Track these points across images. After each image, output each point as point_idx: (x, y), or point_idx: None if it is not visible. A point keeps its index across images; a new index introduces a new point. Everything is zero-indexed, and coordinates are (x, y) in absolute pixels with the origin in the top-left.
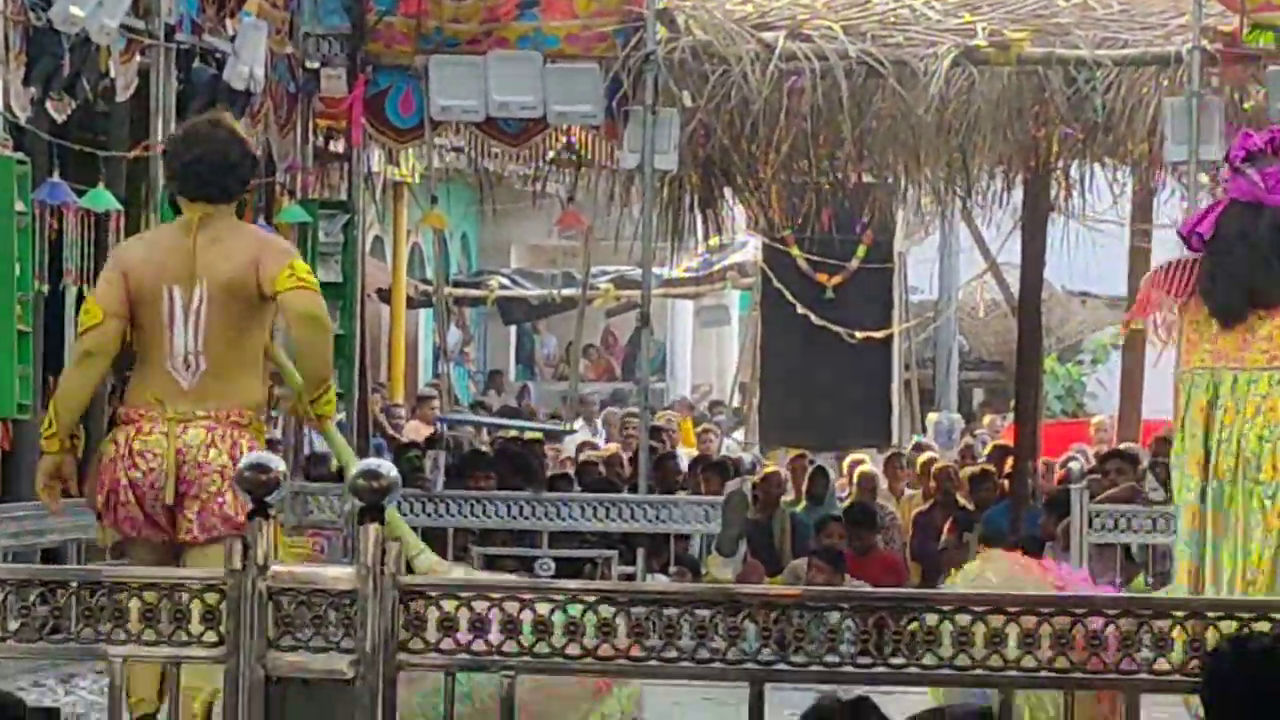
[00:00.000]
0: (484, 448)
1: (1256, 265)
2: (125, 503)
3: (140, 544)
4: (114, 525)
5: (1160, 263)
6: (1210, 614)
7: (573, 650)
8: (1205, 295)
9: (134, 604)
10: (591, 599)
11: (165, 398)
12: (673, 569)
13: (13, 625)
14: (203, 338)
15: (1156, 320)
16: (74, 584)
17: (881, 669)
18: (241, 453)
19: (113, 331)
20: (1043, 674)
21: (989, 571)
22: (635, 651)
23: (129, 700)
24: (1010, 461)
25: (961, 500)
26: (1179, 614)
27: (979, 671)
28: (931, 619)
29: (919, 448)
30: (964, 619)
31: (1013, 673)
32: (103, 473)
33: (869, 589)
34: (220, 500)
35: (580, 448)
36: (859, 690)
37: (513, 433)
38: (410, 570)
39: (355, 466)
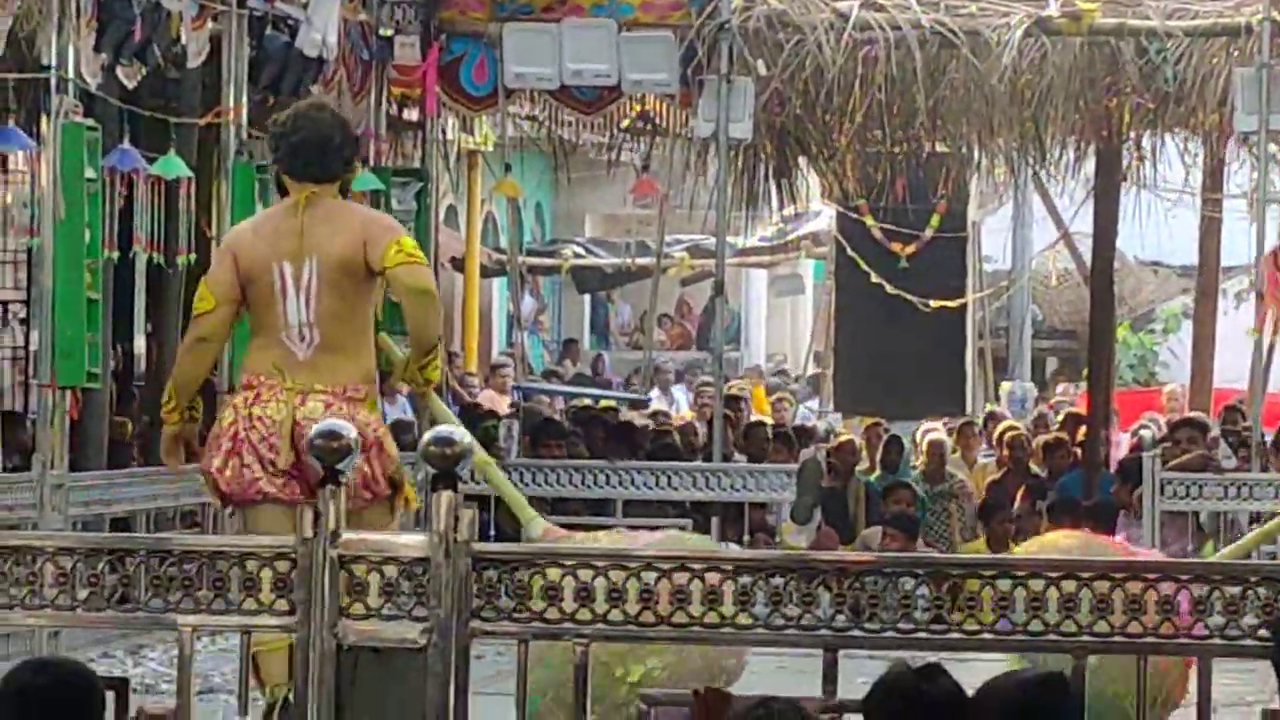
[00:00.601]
0: (558, 416)
1: None
2: (247, 464)
3: (264, 510)
4: (230, 490)
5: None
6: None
7: (647, 618)
8: None
9: (204, 572)
10: (666, 566)
11: (284, 367)
12: (747, 538)
13: (81, 594)
14: (314, 311)
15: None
16: (143, 552)
17: (955, 635)
18: (360, 428)
19: (224, 316)
20: (1116, 639)
21: (1061, 543)
22: (709, 619)
23: (264, 686)
24: (1083, 430)
25: (1035, 468)
26: (1251, 579)
27: (1052, 636)
28: (1004, 584)
29: (993, 416)
30: (1037, 584)
31: (1086, 638)
32: (220, 435)
33: (942, 555)
34: (352, 474)
35: (654, 416)
36: (931, 657)
37: (586, 401)
38: (521, 536)
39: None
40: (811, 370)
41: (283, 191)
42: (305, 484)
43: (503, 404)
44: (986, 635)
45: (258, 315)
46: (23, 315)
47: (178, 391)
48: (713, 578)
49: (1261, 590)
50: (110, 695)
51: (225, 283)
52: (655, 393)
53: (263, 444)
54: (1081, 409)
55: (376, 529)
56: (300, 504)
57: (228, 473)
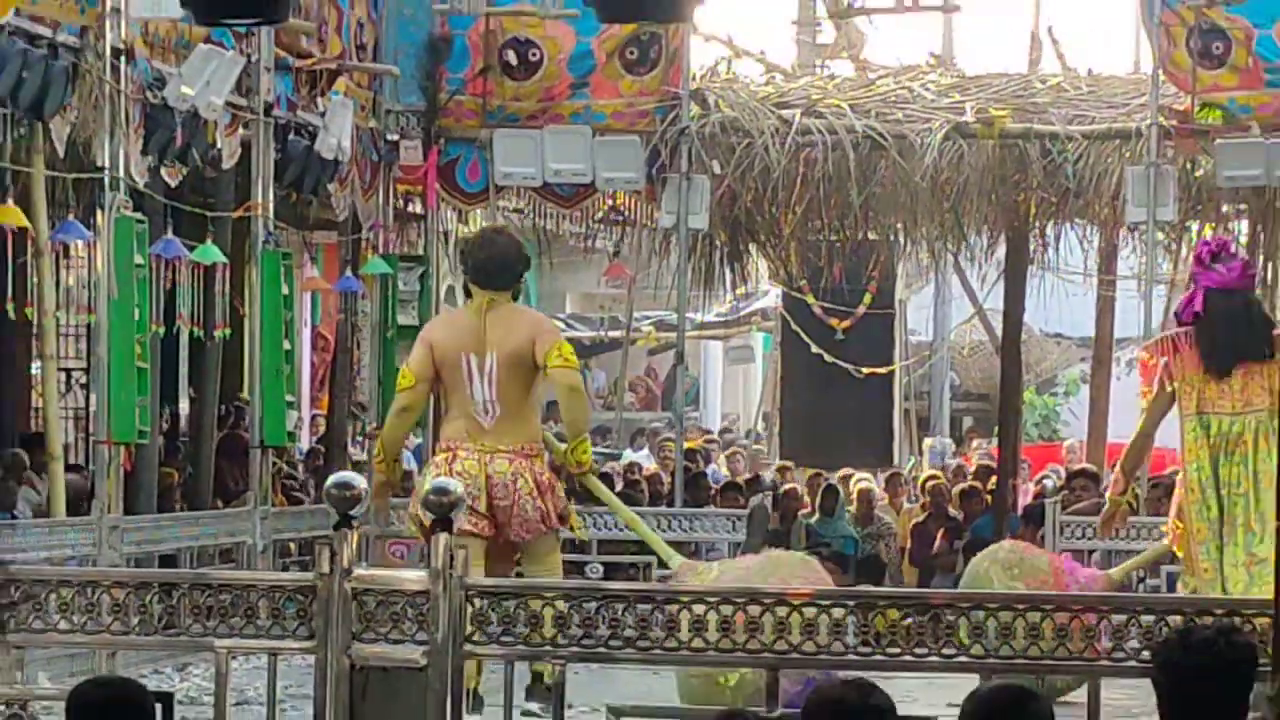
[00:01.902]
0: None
1: (1240, 330)
2: None
3: (464, 539)
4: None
5: (1154, 340)
6: (1160, 609)
7: (615, 643)
8: (1205, 356)
9: (238, 602)
10: (630, 598)
11: (474, 435)
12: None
13: (133, 621)
14: (495, 392)
15: (1154, 382)
16: (185, 585)
17: (879, 656)
18: (537, 478)
19: (422, 392)
20: (1018, 660)
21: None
22: (669, 643)
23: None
24: (994, 479)
25: (953, 512)
26: (1136, 608)
27: (961, 659)
28: (923, 616)
29: (916, 468)
30: (950, 615)
31: (992, 660)
32: (424, 490)
33: (868, 588)
34: (533, 512)
35: (628, 468)
36: (855, 674)
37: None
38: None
39: (618, 505)
40: (761, 428)
41: (468, 294)
42: (494, 523)
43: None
44: (907, 657)
45: (450, 394)
46: (83, 381)
47: (385, 448)
48: (671, 608)
49: (1144, 618)
50: (159, 707)
51: (423, 365)
52: (628, 449)
53: (465, 493)
54: (993, 461)
55: (546, 552)
56: (488, 537)
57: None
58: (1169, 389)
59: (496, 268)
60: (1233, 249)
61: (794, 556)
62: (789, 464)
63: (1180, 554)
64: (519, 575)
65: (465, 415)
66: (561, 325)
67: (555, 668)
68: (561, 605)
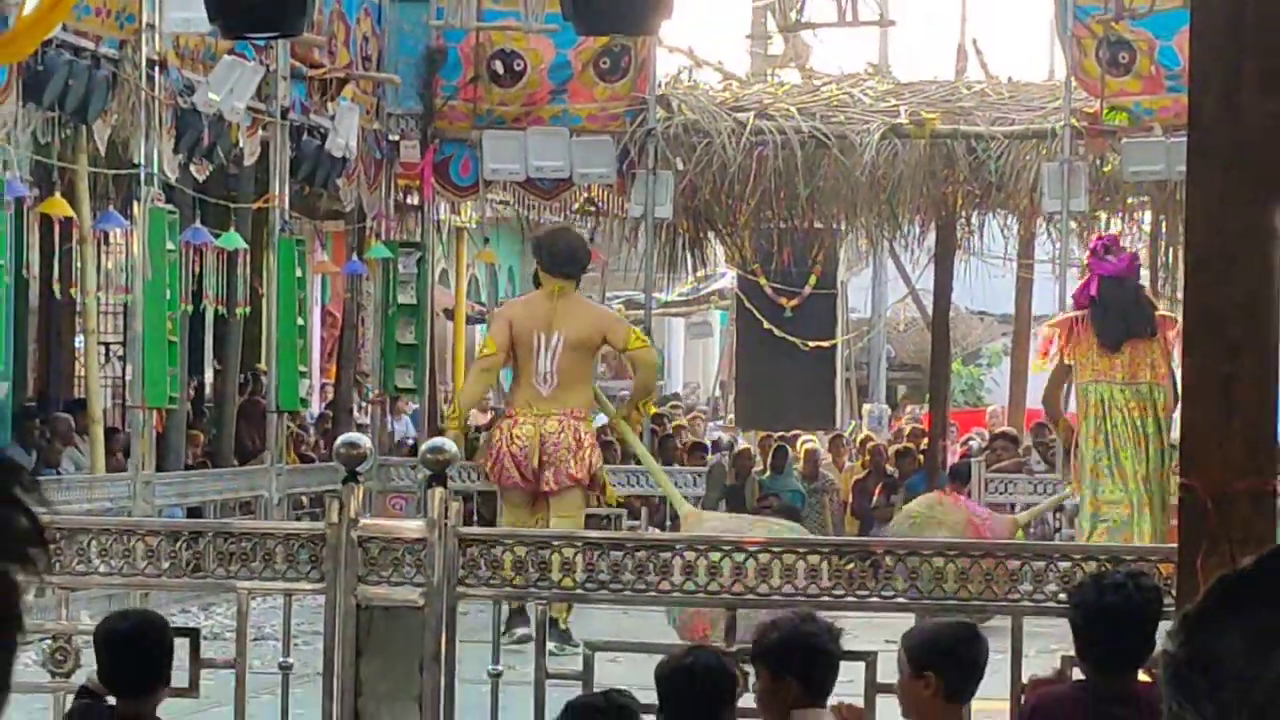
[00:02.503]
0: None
1: (1129, 310)
2: (507, 467)
3: (514, 491)
4: (498, 481)
5: (1057, 318)
6: (1077, 556)
7: (590, 585)
8: (1098, 334)
9: (257, 549)
10: (604, 546)
11: (533, 401)
12: (669, 523)
13: (164, 565)
14: (555, 365)
15: (1051, 353)
16: (210, 534)
17: (826, 598)
18: (579, 434)
19: (500, 360)
20: (950, 601)
21: (925, 509)
22: (639, 585)
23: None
24: (925, 441)
25: (889, 470)
26: (1055, 555)
27: (900, 600)
28: (863, 562)
29: (856, 430)
30: (890, 560)
31: (927, 601)
32: (492, 447)
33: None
34: (566, 465)
35: (601, 430)
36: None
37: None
38: (676, 517)
39: (647, 457)
40: (718, 394)
41: (537, 282)
42: (538, 478)
43: (483, 421)
44: (850, 599)
45: (518, 365)
46: (120, 353)
47: (462, 406)
48: (641, 554)
49: (1061, 564)
50: (185, 641)
51: (503, 337)
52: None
53: (520, 453)
54: (924, 425)
55: (571, 505)
56: (528, 490)
57: (492, 471)
58: (1067, 362)
59: (564, 259)
60: (1122, 244)
61: (933, 511)
62: (742, 429)
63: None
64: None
65: (528, 384)
66: None
67: (539, 608)
68: (543, 552)
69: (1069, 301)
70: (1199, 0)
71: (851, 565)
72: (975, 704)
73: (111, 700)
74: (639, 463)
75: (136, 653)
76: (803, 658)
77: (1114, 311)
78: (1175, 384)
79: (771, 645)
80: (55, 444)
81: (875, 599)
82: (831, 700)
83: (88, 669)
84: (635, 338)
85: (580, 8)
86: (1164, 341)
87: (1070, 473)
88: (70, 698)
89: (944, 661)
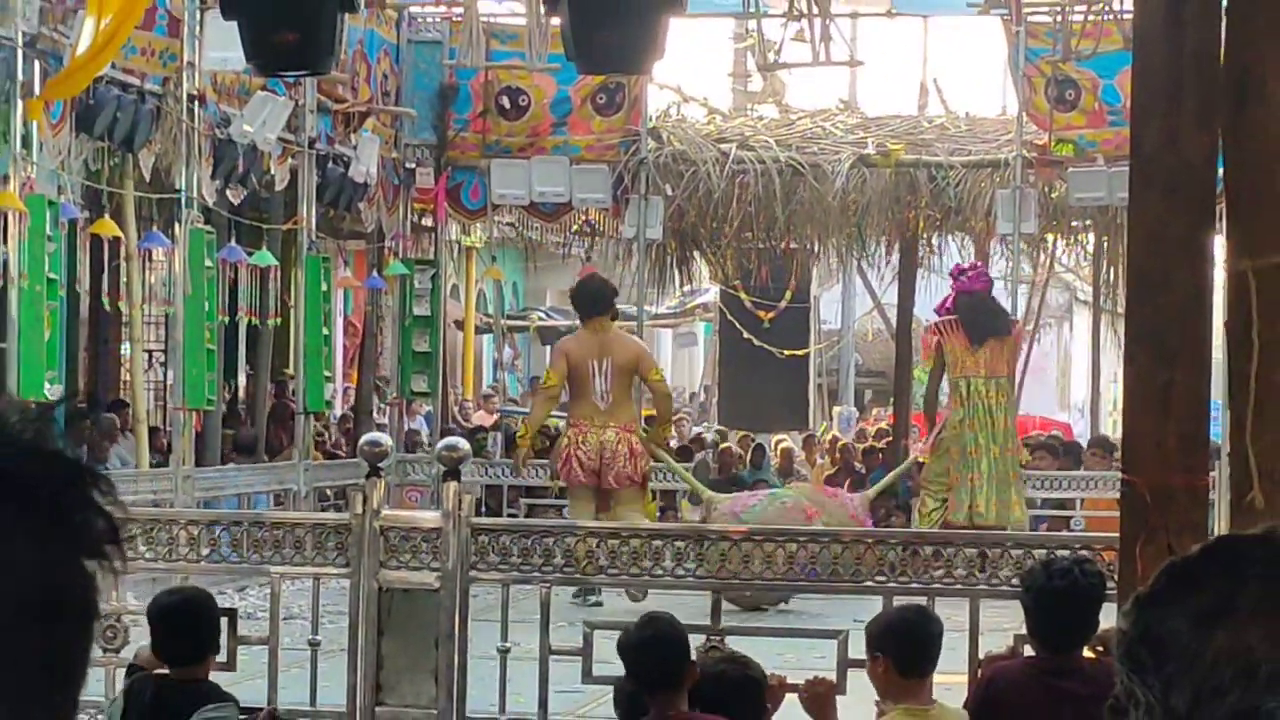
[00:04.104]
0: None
1: (985, 315)
2: (574, 469)
3: (580, 488)
4: (566, 479)
5: (929, 325)
6: (1027, 544)
7: (590, 570)
8: (968, 335)
9: (287, 537)
10: (603, 534)
11: (594, 415)
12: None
13: (204, 551)
14: (609, 386)
15: (926, 352)
16: (245, 523)
17: (803, 582)
18: (632, 445)
19: (559, 389)
20: (913, 585)
21: (793, 494)
22: (633, 570)
23: None
24: (888, 440)
25: (857, 466)
26: (1007, 543)
27: (870, 583)
28: (836, 548)
29: (827, 431)
30: (858, 548)
31: (891, 584)
32: (563, 452)
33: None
34: (625, 469)
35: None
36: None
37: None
38: (698, 502)
39: (672, 463)
40: (702, 398)
41: (582, 322)
42: (599, 476)
43: (490, 422)
44: (823, 583)
45: (577, 387)
46: (162, 360)
47: (530, 427)
48: (635, 541)
49: (1014, 551)
50: (224, 621)
51: (561, 371)
52: None
53: (585, 457)
54: (888, 426)
55: (631, 499)
56: (593, 486)
57: (563, 471)
58: (942, 358)
59: (589, 303)
60: (978, 268)
61: (787, 494)
62: (725, 429)
63: (930, 471)
64: (610, 514)
65: (588, 402)
66: (544, 315)
67: (542, 590)
68: (548, 541)
69: (1020, 313)
70: (1141, 40)
71: (824, 553)
72: (936, 677)
73: (165, 670)
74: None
75: (187, 625)
76: (894, 639)
77: (974, 316)
78: (1020, 379)
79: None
80: (103, 442)
81: (846, 583)
82: (807, 675)
83: (134, 645)
84: (655, 372)
85: (581, 49)
86: (1014, 342)
87: (926, 448)
88: (120, 672)
89: (893, 642)
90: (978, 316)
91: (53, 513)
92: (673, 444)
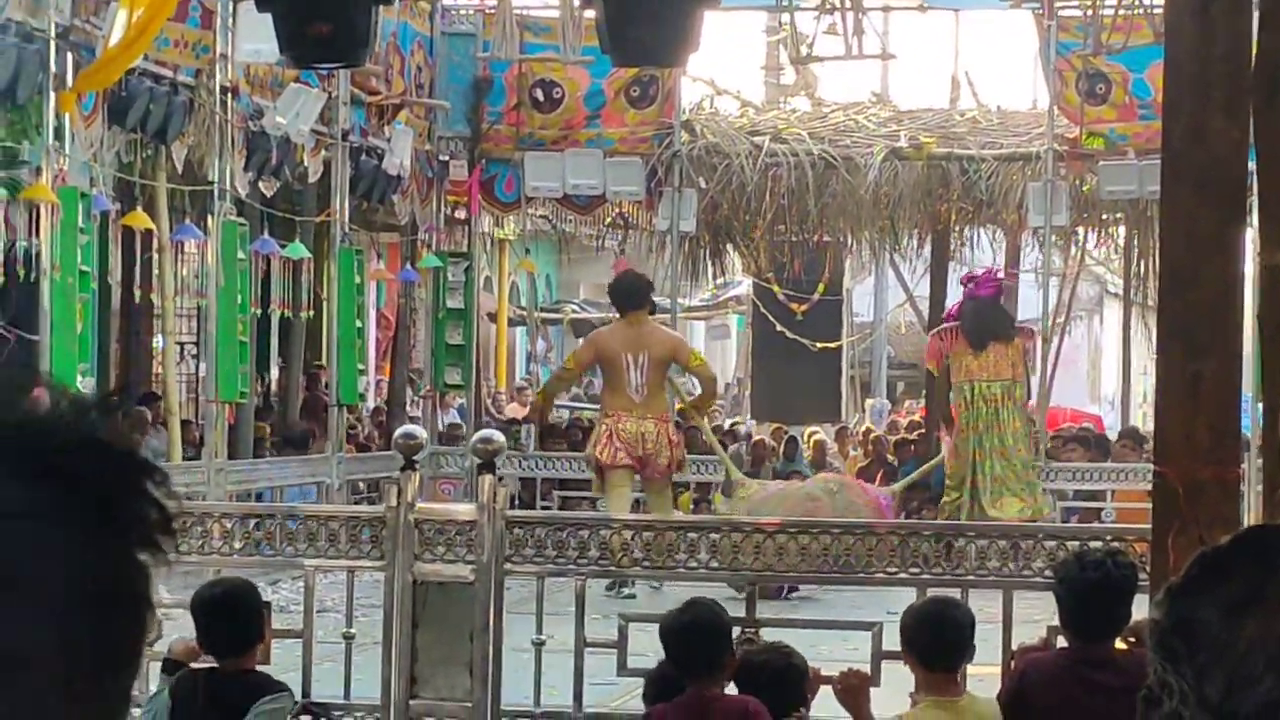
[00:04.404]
0: (559, 423)
1: (987, 320)
2: (618, 451)
3: (623, 471)
4: (611, 461)
5: (935, 331)
6: (1060, 536)
7: (625, 563)
8: (969, 340)
9: (321, 529)
10: (638, 526)
11: (630, 408)
12: (691, 507)
13: (237, 545)
14: (645, 378)
15: (932, 358)
16: (278, 516)
17: (835, 574)
18: (670, 435)
19: (575, 374)
20: (946, 577)
21: (828, 484)
22: (668, 563)
23: None
24: (920, 433)
25: (889, 458)
26: (1040, 535)
27: (903, 576)
28: (871, 540)
29: (860, 423)
30: (893, 539)
31: (925, 577)
32: (602, 436)
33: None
34: (661, 460)
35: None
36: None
37: (580, 412)
38: (732, 489)
39: (711, 437)
40: (734, 391)
41: (621, 315)
42: (641, 461)
43: (523, 414)
44: (859, 574)
45: (611, 379)
46: (194, 352)
47: (544, 401)
48: (670, 535)
49: (1047, 543)
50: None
51: (584, 359)
52: None
53: (626, 443)
54: (920, 418)
55: (663, 487)
56: (636, 470)
57: (604, 455)
58: (946, 363)
59: (625, 297)
60: (990, 274)
61: (811, 486)
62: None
63: (951, 471)
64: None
65: (623, 393)
66: (577, 308)
67: (577, 583)
68: (583, 534)
69: (1051, 305)
70: (1172, 35)
71: (857, 545)
72: (969, 669)
73: (210, 664)
74: (708, 453)
75: (231, 616)
76: (918, 635)
77: (976, 322)
78: (1029, 382)
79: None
80: (134, 435)
81: (880, 574)
82: (840, 667)
83: (167, 639)
84: (695, 357)
85: (615, 42)
86: (1020, 346)
87: (948, 450)
88: (155, 665)
89: (916, 638)
90: (980, 322)
91: (106, 503)
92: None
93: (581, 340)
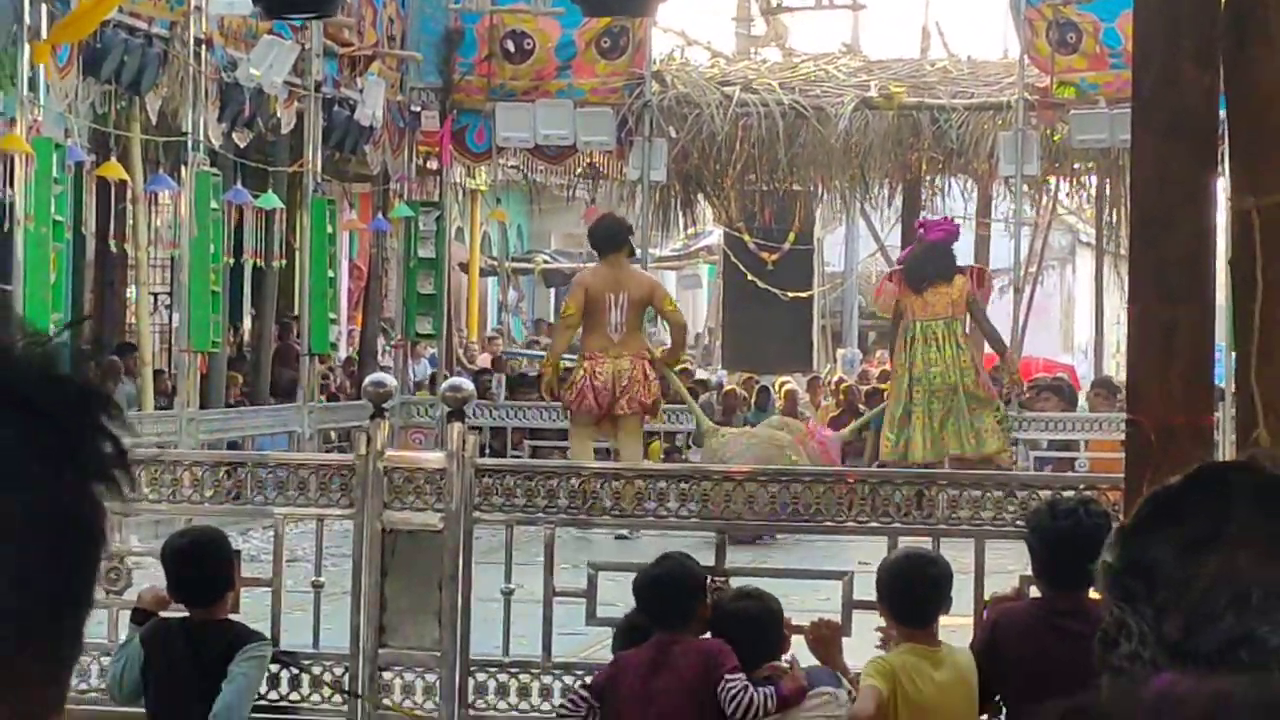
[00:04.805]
0: (530, 373)
1: (928, 264)
2: (587, 399)
3: (585, 416)
4: (576, 408)
5: (888, 273)
6: (1032, 485)
7: (594, 510)
8: (909, 281)
9: (292, 478)
10: (606, 475)
11: (607, 347)
12: (661, 456)
13: (208, 493)
14: (623, 318)
15: (883, 299)
16: (249, 464)
17: (806, 523)
18: (646, 371)
19: (578, 319)
20: (918, 525)
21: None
22: (638, 511)
23: None
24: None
25: (861, 408)
26: (1013, 484)
27: (874, 524)
28: (839, 488)
29: (831, 373)
30: (864, 488)
31: (896, 524)
32: (576, 383)
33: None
34: (639, 394)
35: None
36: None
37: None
38: (702, 438)
39: (681, 389)
40: (705, 341)
41: (600, 257)
42: (610, 404)
43: (492, 362)
44: (828, 523)
45: (592, 320)
46: (167, 303)
47: (552, 357)
48: (639, 483)
49: (1019, 492)
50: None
51: (579, 302)
52: None
53: (601, 386)
54: (891, 368)
55: (635, 426)
56: (601, 415)
57: (574, 402)
58: (900, 307)
59: (603, 240)
60: (945, 221)
61: (783, 433)
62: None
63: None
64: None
65: (602, 334)
66: (548, 258)
67: (545, 531)
68: (551, 482)
69: (1023, 255)
70: None
71: (828, 493)
72: (943, 619)
73: (182, 613)
74: (677, 403)
75: (201, 565)
76: (890, 590)
77: (917, 264)
78: (984, 321)
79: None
80: (107, 383)
81: (850, 524)
82: (811, 616)
83: (136, 588)
84: (669, 302)
85: None
86: (961, 285)
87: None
88: (124, 615)
89: (888, 593)
90: (920, 263)
91: (62, 435)
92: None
93: (570, 287)
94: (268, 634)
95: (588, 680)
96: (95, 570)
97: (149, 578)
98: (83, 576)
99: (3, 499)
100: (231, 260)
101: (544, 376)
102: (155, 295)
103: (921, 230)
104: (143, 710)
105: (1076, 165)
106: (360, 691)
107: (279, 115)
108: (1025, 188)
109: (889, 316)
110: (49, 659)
